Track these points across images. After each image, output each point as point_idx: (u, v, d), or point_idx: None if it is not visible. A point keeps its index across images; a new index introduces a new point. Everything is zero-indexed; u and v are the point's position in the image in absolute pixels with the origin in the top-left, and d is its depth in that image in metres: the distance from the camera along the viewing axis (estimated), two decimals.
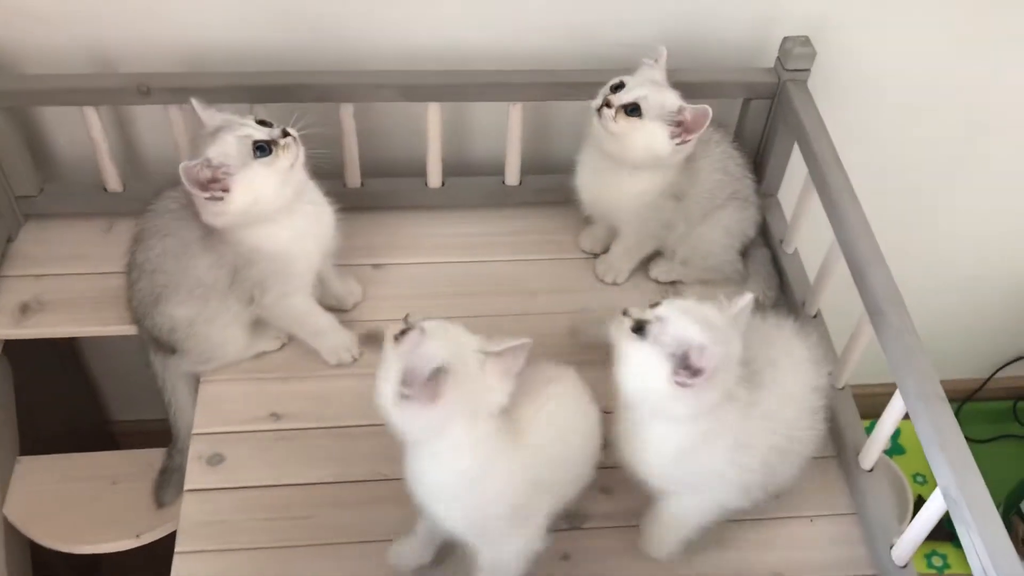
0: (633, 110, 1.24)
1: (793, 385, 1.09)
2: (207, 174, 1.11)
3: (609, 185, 1.34)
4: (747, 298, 1.01)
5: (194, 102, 1.15)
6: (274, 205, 1.16)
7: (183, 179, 1.10)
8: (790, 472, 1.12)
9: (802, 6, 1.42)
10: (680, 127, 1.24)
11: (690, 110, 1.23)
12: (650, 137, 1.25)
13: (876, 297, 1.11)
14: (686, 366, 0.94)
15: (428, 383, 0.91)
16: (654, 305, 0.99)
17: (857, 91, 1.53)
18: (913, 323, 1.09)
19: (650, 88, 1.24)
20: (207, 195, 1.12)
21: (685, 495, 1.10)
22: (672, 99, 1.25)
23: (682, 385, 0.94)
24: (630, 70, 1.28)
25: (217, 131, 1.13)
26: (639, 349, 0.96)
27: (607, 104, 1.24)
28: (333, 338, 1.32)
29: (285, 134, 1.15)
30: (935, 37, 1.49)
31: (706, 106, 1.23)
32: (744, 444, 1.03)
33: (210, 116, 1.15)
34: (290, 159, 1.15)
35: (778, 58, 1.38)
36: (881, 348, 1.11)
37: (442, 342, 0.93)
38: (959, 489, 0.95)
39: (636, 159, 1.28)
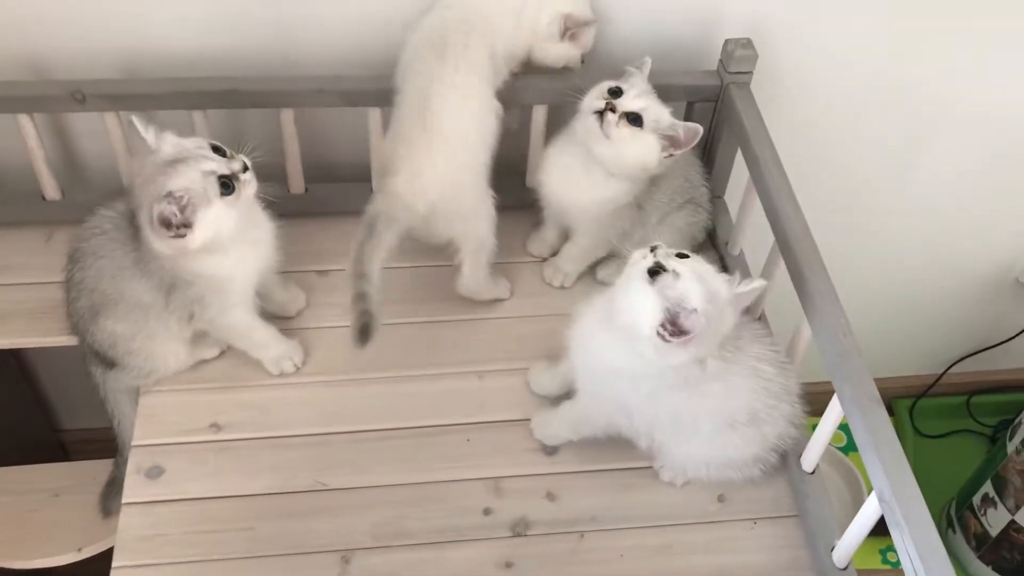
0: (635, 119, 1.24)
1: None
2: (173, 213, 1.08)
3: (579, 187, 1.34)
4: (759, 284, 1.09)
5: (135, 120, 1.11)
6: (231, 238, 1.15)
7: (151, 221, 1.07)
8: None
9: (744, 8, 1.42)
10: (670, 142, 1.25)
11: (682, 127, 1.25)
12: (645, 149, 1.26)
13: (813, 300, 1.12)
14: (673, 323, 1.02)
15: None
16: (681, 255, 1.07)
17: (800, 92, 1.54)
18: (851, 326, 1.09)
19: (650, 100, 1.25)
20: (171, 234, 1.09)
21: (590, 400, 1.19)
22: (666, 115, 1.26)
23: (661, 338, 1.02)
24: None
25: (175, 162, 1.09)
26: (643, 290, 1.04)
27: (611, 109, 1.24)
28: (275, 348, 1.30)
29: (245, 167, 1.13)
30: (876, 38, 1.50)
31: (697, 124, 1.25)
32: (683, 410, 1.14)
33: (158, 139, 1.11)
34: (251, 193, 1.14)
35: (720, 60, 1.38)
36: (819, 351, 1.11)
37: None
38: (892, 493, 0.95)
39: (625, 167, 1.29)
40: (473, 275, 1.36)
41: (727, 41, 1.37)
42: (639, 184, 1.32)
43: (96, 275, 1.19)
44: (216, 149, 1.12)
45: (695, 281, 1.03)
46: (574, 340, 1.17)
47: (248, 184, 1.13)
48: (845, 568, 1.12)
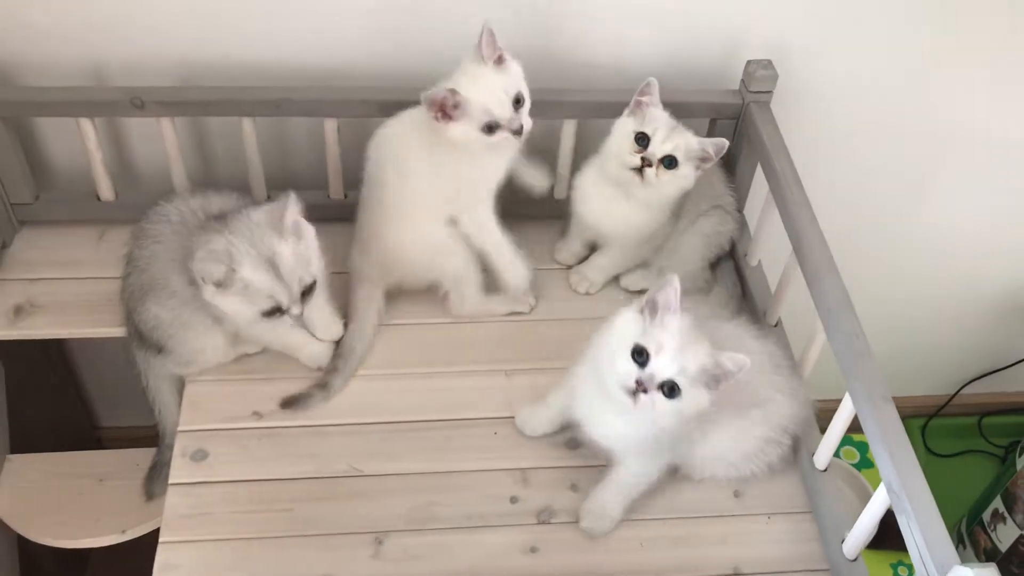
0: (671, 163, 1.32)
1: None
2: (220, 278, 1.16)
3: (621, 216, 1.41)
4: (742, 359, 1.07)
5: (293, 200, 1.20)
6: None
7: (196, 272, 1.16)
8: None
9: (766, 31, 1.49)
10: (701, 160, 1.34)
11: (711, 145, 1.33)
12: (685, 181, 1.35)
13: (828, 303, 1.18)
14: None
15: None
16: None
17: (818, 114, 1.60)
18: (863, 329, 1.15)
19: (675, 134, 1.33)
20: (210, 284, 1.17)
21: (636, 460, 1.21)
22: (692, 139, 1.34)
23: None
24: (602, 90, 1.35)
25: (268, 262, 1.17)
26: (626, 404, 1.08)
27: (648, 164, 1.32)
28: (309, 348, 1.37)
29: (295, 316, 1.22)
30: (893, 63, 1.56)
31: (722, 139, 1.33)
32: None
33: (285, 212, 1.19)
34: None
35: (742, 80, 1.46)
36: (833, 353, 1.17)
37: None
38: (900, 482, 1.01)
39: (667, 201, 1.38)
40: (459, 303, 1.43)
41: (749, 62, 1.44)
42: (677, 202, 1.40)
43: (150, 257, 1.27)
44: (308, 289, 1.22)
45: (672, 359, 1.05)
46: (602, 429, 1.20)
47: (286, 322, 1.23)
48: (855, 560, 1.17)
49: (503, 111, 1.25)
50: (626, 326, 1.09)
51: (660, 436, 1.13)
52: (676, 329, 1.06)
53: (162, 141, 1.43)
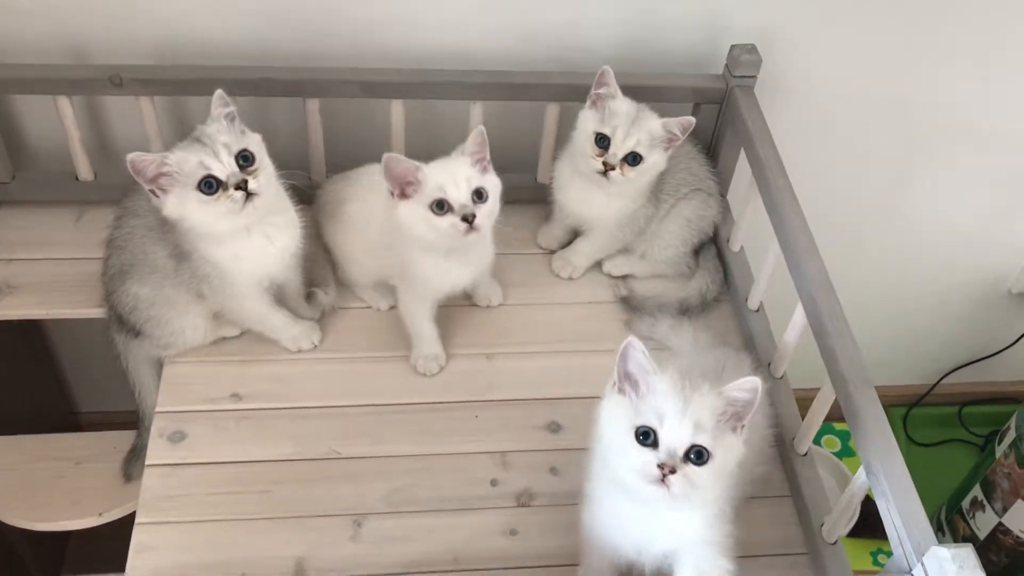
0: (635, 159, 1.32)
1: None
2: (153, 171, 1.13)
3: (598, 204, 1.42)
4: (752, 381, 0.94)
5: (219, 92, 1.17)
6: (206, 231, 1.19)
7: (128, 166, 1.12)
8: None
9: (750, 16, 1.49)
10: (670, 141, 1.34)
11: (676, 125, 1.33)
12: (655, 166, 1.36)
13: (809, 286, 1.18)
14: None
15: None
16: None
17: (802, 97, 1.60)
18: (843, 311, 1.15)
19: (635, 127, 1.32)
20: (148, 186, 1.15)
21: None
22: (654, 123, 1.33)
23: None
24: (586, 73, 1.34)
25: (196, 139, 1.15)
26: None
27: (610, 167, 1.32)
28: (289, 330, 1.36)
29: (240, 187, 1.15)
30: (876, 48, 1.57)
31: (688, 117, 1.32)
32: None
33: (217, 110, 1.17)
34: (228, 209, 1.15)
35: (726, 65, 1.45)
36: (813, 336, 1.17)
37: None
38: (879, 463, 1.01)
39: (642, 188, 1.39)
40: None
41: (733, 46, 1.44)
42: (653, 182, 1.40)
43: (128, 233, 1.26)
44: (243, 155, 1.16)
45: (681, 421, 0.91)
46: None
47: (230, 200, 1.15)
48: (834, 543, 1.17)
49: (457, 193, 1.19)
50: (614, 414, 0.95)
51: (715, 499, 0.98)
52: (669, 387, 0.92)
53: (141, 120, 1.42)
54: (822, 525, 1.19)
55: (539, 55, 1.49)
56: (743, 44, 1.43)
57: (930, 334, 2.17)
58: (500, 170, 1.48)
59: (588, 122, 1.34)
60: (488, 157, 1.23)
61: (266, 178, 1.19)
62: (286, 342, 1.36)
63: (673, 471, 0.89)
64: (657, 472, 0.89)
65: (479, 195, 1.21)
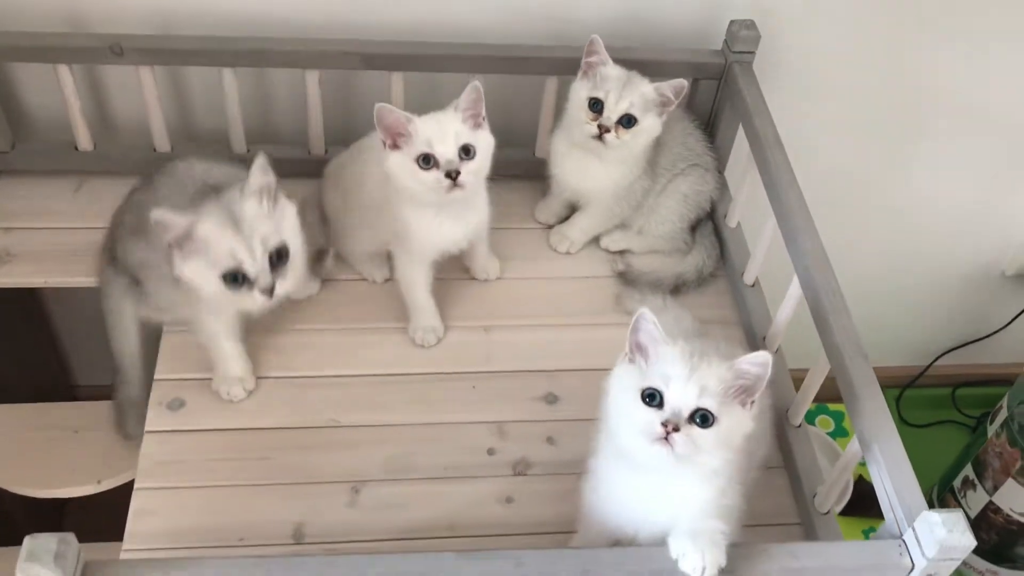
0: (629, 121, 1.32)
1: None
2: (178, 233, 1.07)
3: (595, 177, 1.42)
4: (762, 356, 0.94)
5: (261, 160, 1.10)
6: (214, 306, 1.17)
7: (152, 220, 1.05)
8: None
9: None
10: (662, 105, 1.34)
11: (668, 88, 1.33)
12: (650, 131, 1.36)
13: (805, 260, 1.19)
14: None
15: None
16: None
17: (802, 74, 1.61)
18: (839, 286, 1.16)
19: (627, 91, 1.32)
20: (168, 242, 1.09)
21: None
22: (646, 87, 1.33)
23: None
24: (579, 47, 1.35)
25: (233, 217, 1.08)
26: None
27: (605, 130, 1.32)
28: (231, 368, 1.28)
29: (269, 291, 1.10)
30: (875, 26, 1.57)
31: (681, 79, 1.32)
32: None
33: (257, 181, 1.10)
34: (247, 304, 1.12)
35: (725, 40, 1.46)
36: (809, 310, 1.18)
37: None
38: (872, 433, 1.02)
39: (639, 152, 1.38)
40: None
41: (732, 22, 1.44)
42: (649, 152, 1.40)
43: (147, 204, 1.19)
44: (278, 252, 1.11)
45: (687, 383, 0.92)
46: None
47: (255, 301, 1.11)
48: (827, 513, 1.19)
49: (444, 149, 1.19)
50: (622, 381, 0.96)
51: (717, 479, 0.97)
52: (677, 355, 0.94)
53: (141, 91, 1.42)
54: (815, 496, 1.20)
55: (538, 30, 1.49)
56: (742, 19, 1.44)
57: (924, 316, 2.18)
58: (499, 145, 1.49)
59: (581, 91, 1.34)
60: (483, 113, 1.23)
61: (294, 276, 1.15)
62: (217, 381, 1.28)
63: (677, 429, 0.91)
64: (660, 430, 0.91)
65: (466, 151, 1.20)
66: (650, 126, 1.35)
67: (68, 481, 1.43)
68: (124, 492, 1.22)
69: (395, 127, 1.19)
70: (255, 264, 1.09)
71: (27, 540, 0.83)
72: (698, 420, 0.92)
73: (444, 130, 1.19)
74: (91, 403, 1.53)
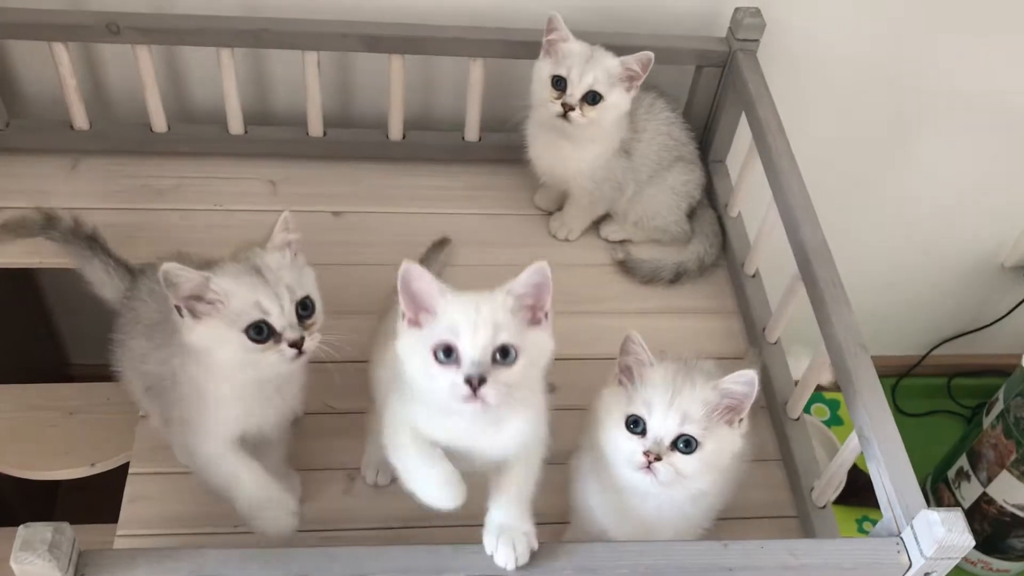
0: (593, 97, 1.29)
1: None
2: (190, 290, 0.94)
3: (567, 158, 1.40)
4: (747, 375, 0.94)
5: (285, 215, 1.00)
6: (229, 373, 1.00)
7: (160, 276, 0.92)
8: None
9: None
10: (630, 80, 1.31)
11: (634, 61, 1.30)
12: (617, 106, 1.33)
13: (806, 251, 1.18)
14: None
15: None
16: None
17: (806, 63, 1.59)
18: (840, 278, 1.15)
19: (590, 67, 1.29)
20: (177, 303, 0.95)
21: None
22: (611, 61, 1.31)
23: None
24: (589, 32, 1.33)
25: (254, 268, 0.96)
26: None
27: (569, 108, 1.29)
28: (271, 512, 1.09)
29: (298, 344, 0.96)
30: (880, 15, 1.56)
31: (647, 52, 1.29)
32: None
33: (280, 236, 0.99)
34: (272, 363, 0.97)
35: (729, 28, 1.44)
36: (809, 300, 1.17)
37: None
38: (871, 429, 1.02)
39: (608, 128, 1.36)
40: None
41: (737, 9, 1.43)
42: (622, 129, 1.38)
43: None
44: (304, 305, 0.98)
45: (667, 411, 0.93)
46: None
47: (283, 356, 0.97)
48: (823, 507, 1.18)
49: (471, 343, 0.87)
50: (608, 404, 0.97)
51: (705, 498, 1.00)
52: (660, 379, 0.94)
53: (138, 69, 1.40)
54: (812, 489, 1.20)
55: (539, 13, 1.47)
56: (747, 7, 1.42)
57: (921, 306, 2.17)
58: (501, 130, 1.47)
59: (543, 69, 1.32)
60: (548, 307, 0.94)
61: (319, 332, 1.01)
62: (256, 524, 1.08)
63: (659, 458, 0.92)
64: (643, 459, 0.93)
65: (504, 353, 0.87)
66: (617, 101, 1.32)
67: (62, 463, 1.42)
68: (119, 474, 1.21)
69: (422, 298, 0.90)
70: (283, 315, 0.96)
71: (21, 529, 0.82)
72: (681, 446, 0.93)
73: (481, 318, 0.87)
74: (86, 384, 1.51)
